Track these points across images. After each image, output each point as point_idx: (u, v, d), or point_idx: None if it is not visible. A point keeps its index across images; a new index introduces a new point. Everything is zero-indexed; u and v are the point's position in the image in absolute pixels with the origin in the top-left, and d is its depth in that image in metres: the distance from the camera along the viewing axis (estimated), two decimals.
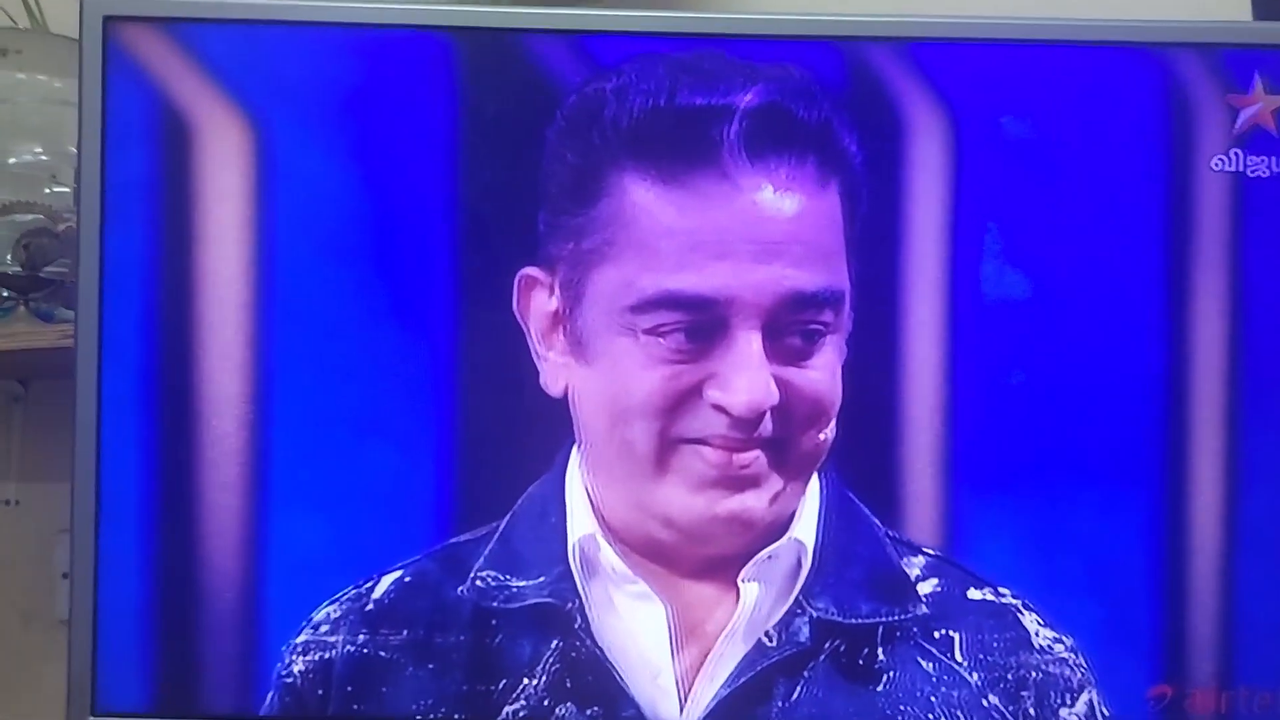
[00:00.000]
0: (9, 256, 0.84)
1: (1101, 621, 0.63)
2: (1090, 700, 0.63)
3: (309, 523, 0.63)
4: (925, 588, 0.63)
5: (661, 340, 0.60)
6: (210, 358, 0.63)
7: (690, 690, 0.63)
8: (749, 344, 0.59)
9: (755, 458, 0.60)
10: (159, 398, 0.63)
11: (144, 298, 0.63)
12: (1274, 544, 0.62)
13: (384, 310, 0.63)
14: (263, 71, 0.63)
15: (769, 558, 0.62)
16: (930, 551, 0.63)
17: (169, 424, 0.63)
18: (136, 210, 0.63)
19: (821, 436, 0.62)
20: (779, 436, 0.61)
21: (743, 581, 0.62)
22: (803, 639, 0.62)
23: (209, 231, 0.63)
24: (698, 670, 0.63)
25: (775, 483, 0.61)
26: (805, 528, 0.63)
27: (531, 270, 0.62)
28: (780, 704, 0.62)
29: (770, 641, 0.63)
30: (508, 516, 0.63)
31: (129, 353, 0.63)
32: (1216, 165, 0.60)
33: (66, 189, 0.84)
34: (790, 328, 0.60)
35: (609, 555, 0.63)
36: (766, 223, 0.60)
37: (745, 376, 0.59)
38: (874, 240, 0.62)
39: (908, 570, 0.63)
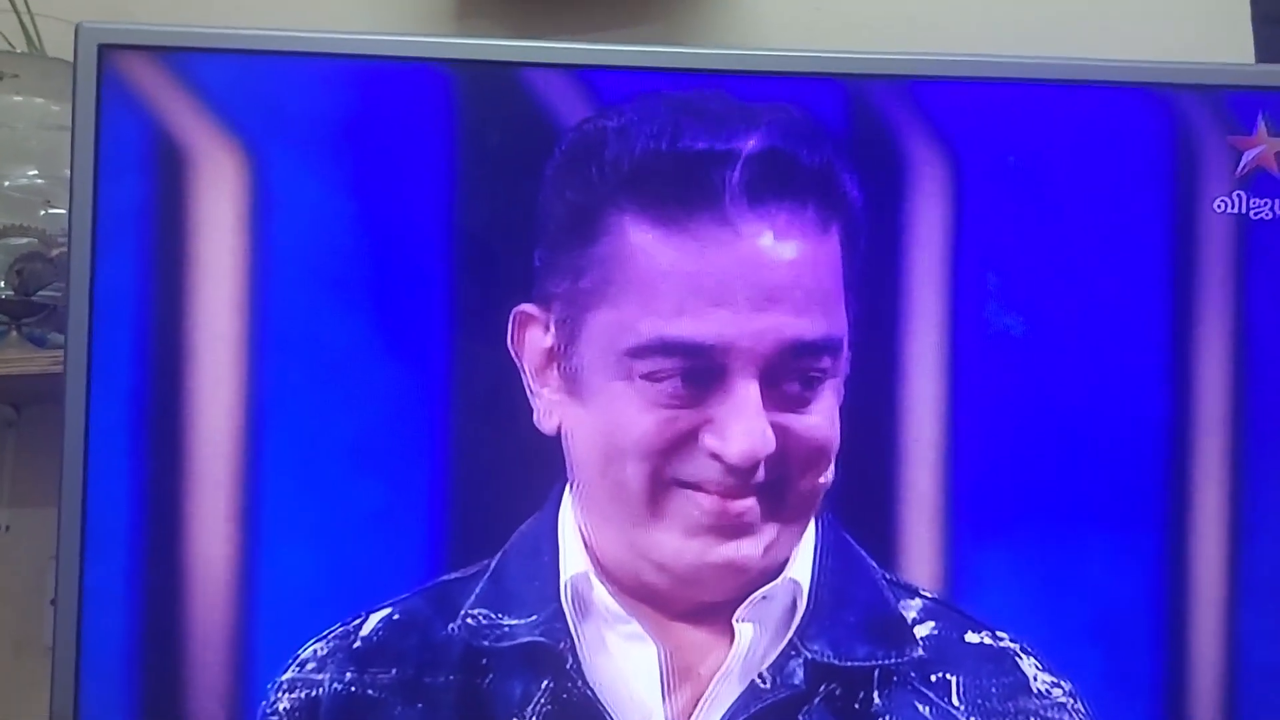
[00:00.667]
0: (2, 281, 0.83)
1: (1101, 666, 0.62)
2: None
3: (298, 557, 0.63)
4: (922, 630, 0.62)
5: (658, 385, 0.59)
6: (201, 388, 0.62)
7: None
8: (747, 392, 0.58)
9: (750, 505, 0.60)
10: (149, 427, 0.62)
11: (135, 326, 0.62)
12: (1275, 588, 0.61)
13: (377, 344, 0.62)
14: (258, 102, 0.62)
15: (764, 598, 0.61)
16: (927, 594, 0.62)
17: (158, 453, 0.62)
18: (129, 237, 0.62)
19: (820, 480, 0.61)
20: (775, 483, 0.60)
21: (737, 622, 0.61)
22: (797, 681, 0.61)
23: (202, 260, 0.62)
24: (690, 713, 0.62)
25: (770, 530, 0.60)
26: (801, 568, 0.62)
27: (527, 307, 0.62)
28: None
29: (764, 684, 0.62)
30: (499, 554, 0.62)
31: (119, 381, 0.62)
32: (1219, 207, 0.60)
33: (61, 213, 0.83)
34: (788, 375, 0.59)
35: (602, 594, 0.62)
36: (766, 269, 0.59)
37: (742, 425, 0.58)
38: (873, 281, 0.61)
39: (904, 613, 0.62)
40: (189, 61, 0.62)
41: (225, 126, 0.62)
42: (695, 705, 0.62)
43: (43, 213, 0.85)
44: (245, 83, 0.62)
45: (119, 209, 0.62)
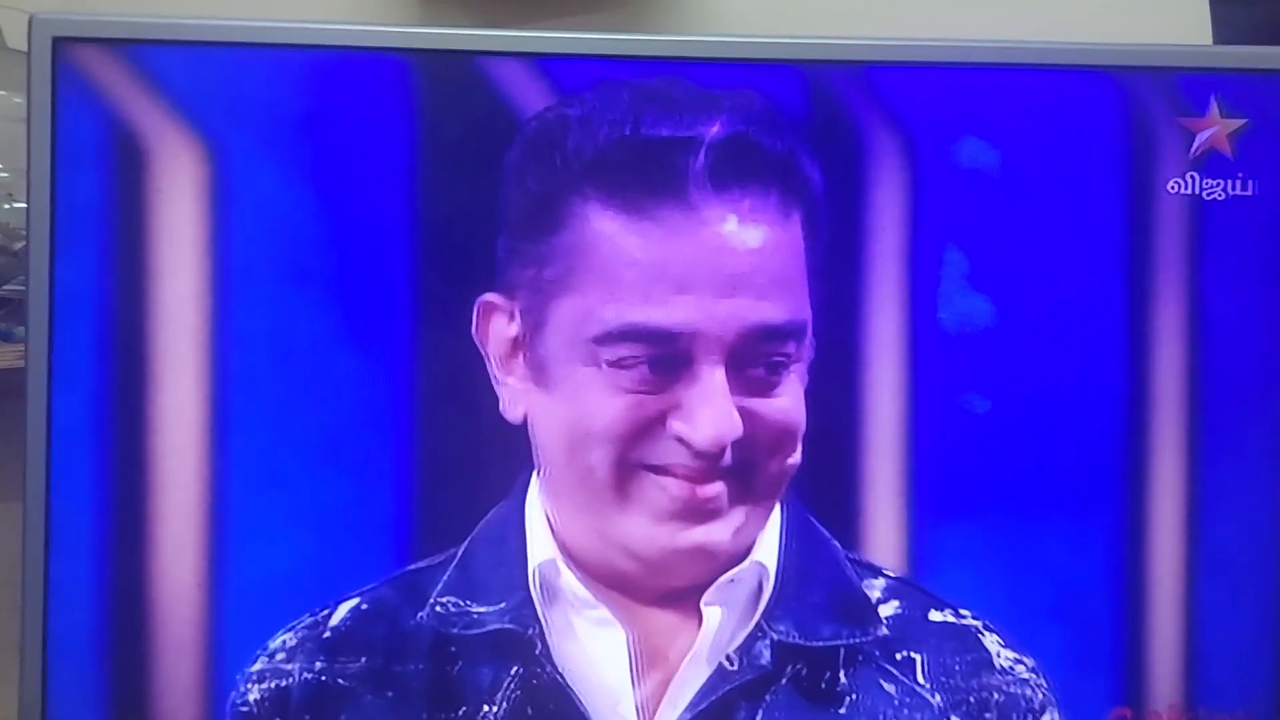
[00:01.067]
0: None
1: (1063, 644, 0.63)
2: None
3: (265, 549, 0.63)
4: (886, 610, 0.63)
5: (625, 372, 0.59)
6: (165, 382, 0.62)
7: (653, 717, 0.62)
8: (713, 378, 0.59)
9: (719, 490, 0.60)
10: (112, 422, 0.62)
11: (97, 320, 0.62)
12: (1233, 566, 0.62)
13: (342, 335, 0.62)
14: (217, 94, 0.62)
15: (731, 581, 0.62)
16: (890, 573, 0.63)
17: (123, 446, 0.62)
18: (89, 231, 0.62)
19: (787, 463, 0.62)
20: (743, 467, 0.60)
21: (705, 605, 0.62)
22: (764, 662, 0.62)
23: (163, 254, 0.62)
24: (660, 696, 0.62)
25: (739, 513, 0.61)
26: (767, 550, 0.63)
27: (491, 297, 0.62)
28: None
29: (731, 665, 0.62)
30: (466, 542, 0.63)
31: (81, 376, 0.62)
32: (1174, 188, 0.60)
33: (24, 206, 0.82)
34: (754, 360, 0.60)
35: (569, 580, 0.62)
36: (731, 255, 0.59)
37: (709, 411, 0.59)
38: (835, 266, 0.62)
39: (869, 592, 0.63)
40: (145, 53, 0.62)
41: (184, 118, 0.62)
42: (664, 688, 0.62)
43: (6, 206, 0.84)
44: (203, 74, 0.62)
45: (78, 203, 0.62)
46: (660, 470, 0.60)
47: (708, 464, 0.60)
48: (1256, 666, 0.62)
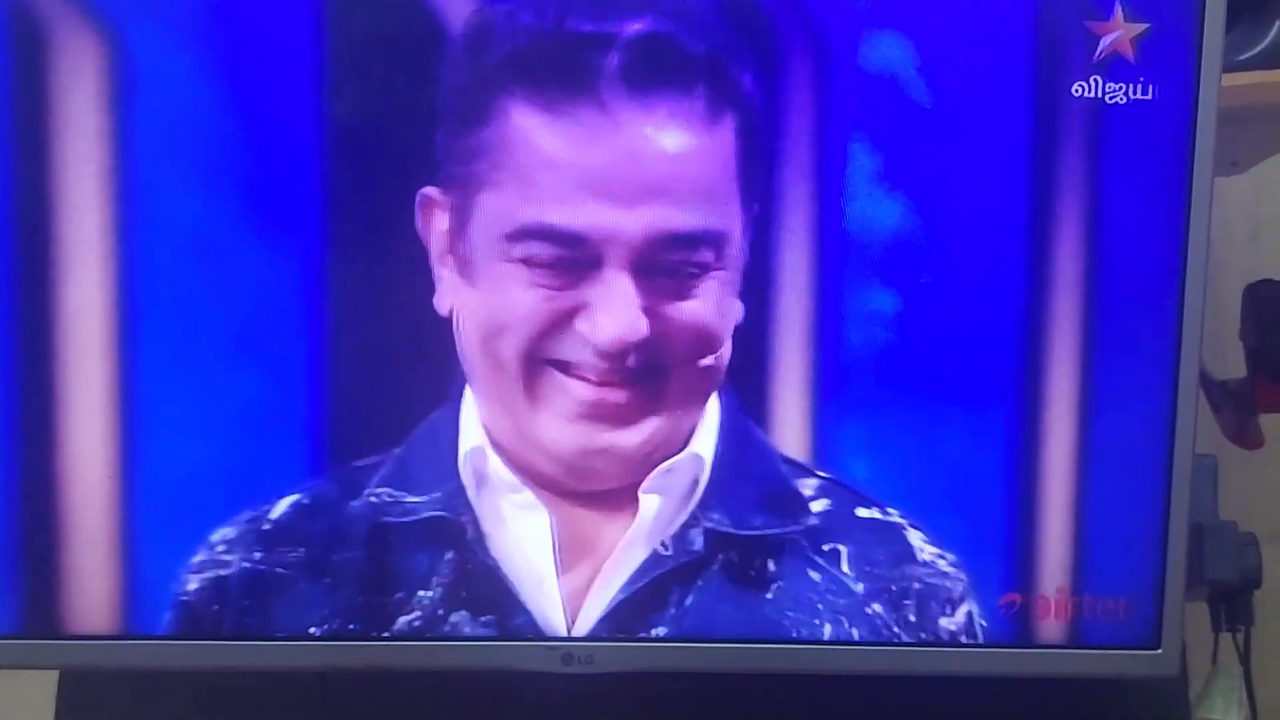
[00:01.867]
0: None
1: (959, 533, 0.65)
2: (970, 612, 0.65)
3: (204, 449, 0.64)
4: (816, 506, 0.65)
5: (533, 269, 0.60)
6: (82, 277, 0.62)
7: (585, 598, 0.64)
8: (618, 281, 0.60)
9: (626, 397, 0.62)
10: (35, 314, 0.62)
11: (2, 211, 0.62)
12: (1121, 462, 0.64)
13: (269, 231, 0.62)
14: None
15: (669, 471, 0.63)
16: (822, 474, 0.65)
17: (40, 340, 0.63)
18: None
19: (705, 364, 0.63)
20: (655, 371, 0.62)
21: (643, 493, 0.63)
22: (697, 548, 0.64)
23: (70, 144, 0.61)
24: (592, 578, 0.64)
25: (650, 423, 0.62)
26: (704, 443, 0.64)
27: (429, 190, 0.62)
28: (672, 610, 0.64)
29: (666, 550, 0.64)
30: (406, 441, 0.64)
31: None
32: (1077, 91, 0.63)
33: None
34: (665, 266, 0.60)
35: (496, 465, 0.64)
36: (644, 160, 0.60)
37: (611, 312, 0.60)
38: (763, 172, 0.62)
39: (801, 489, 0.64)
40: None
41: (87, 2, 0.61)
42: (597, 571, 0.64)
43: None
44: None
45: None
46: (566, 369, 0.61)
47: (611, 365, 0.61)
48: (1139, 556, 0.64)
